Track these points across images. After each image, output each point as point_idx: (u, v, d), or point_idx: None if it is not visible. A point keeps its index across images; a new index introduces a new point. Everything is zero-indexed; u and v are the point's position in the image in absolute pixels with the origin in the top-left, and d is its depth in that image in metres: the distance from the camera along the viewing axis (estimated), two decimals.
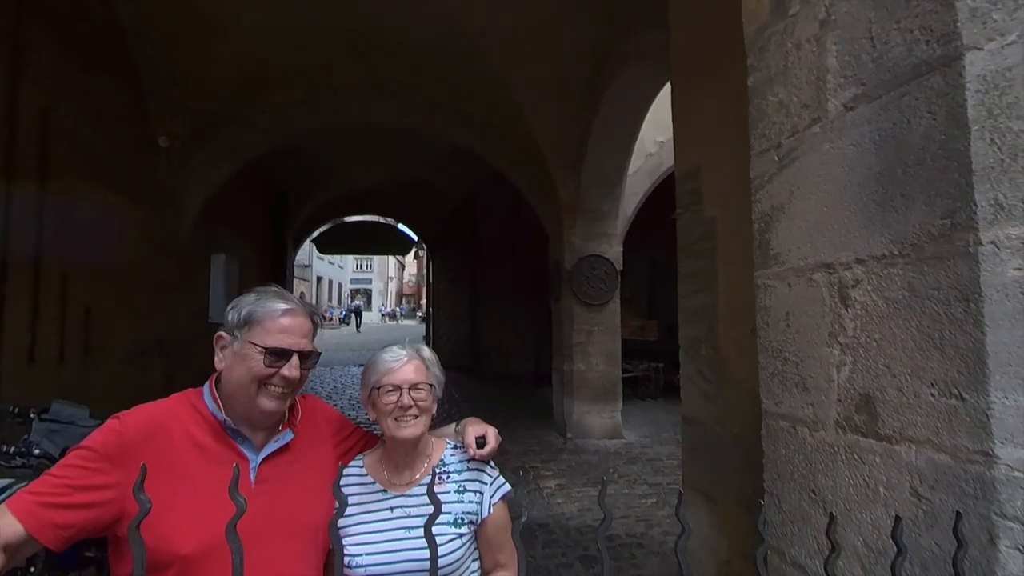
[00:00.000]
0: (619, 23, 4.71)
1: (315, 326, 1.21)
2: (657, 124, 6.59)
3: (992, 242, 0.83)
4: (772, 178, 1.45)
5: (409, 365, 1.25)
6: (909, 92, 0.98)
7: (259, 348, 1.11)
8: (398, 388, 1.21)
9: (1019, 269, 0.81)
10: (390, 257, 45.50)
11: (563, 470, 5.24)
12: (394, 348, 1.28)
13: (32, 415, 2.15)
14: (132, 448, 1.03)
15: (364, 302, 42.91)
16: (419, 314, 40.70)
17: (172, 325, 5.56)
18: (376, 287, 49.41)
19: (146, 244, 5.08)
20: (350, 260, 44.84)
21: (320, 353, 1.22)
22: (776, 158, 1.43)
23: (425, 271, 21.06)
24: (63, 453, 1.81)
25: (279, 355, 1.12)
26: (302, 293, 27.86)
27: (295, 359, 1.13)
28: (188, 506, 1.03)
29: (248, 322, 1.13)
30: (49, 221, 3.51)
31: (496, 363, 12.21)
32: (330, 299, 40.07)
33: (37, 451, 1.73)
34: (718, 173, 2.75)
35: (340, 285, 44.08)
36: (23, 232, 3.30)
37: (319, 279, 36.10)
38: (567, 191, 6.29)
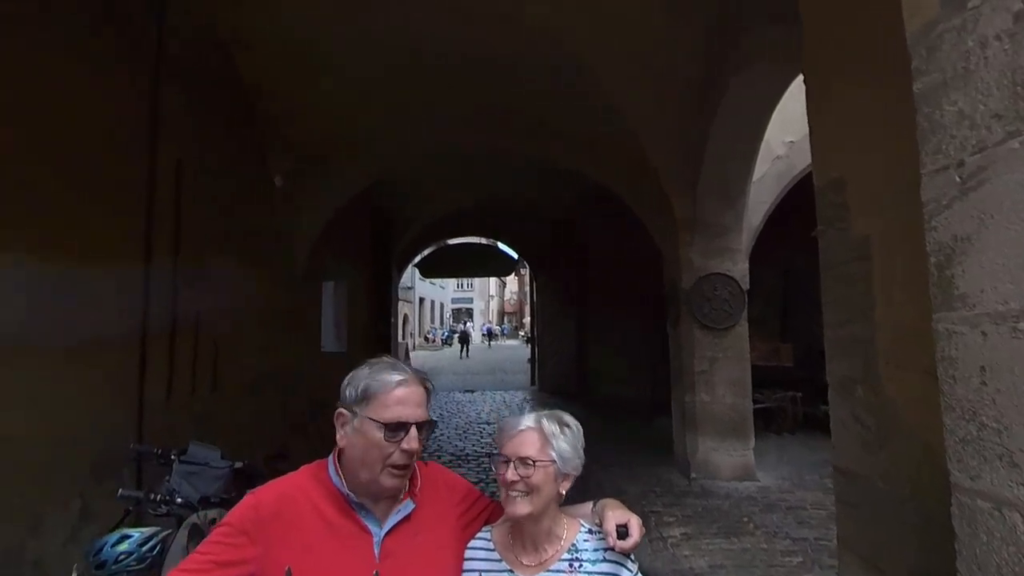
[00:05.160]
0: (734, 19, 4.50)
1: (428, 393, 1.25)
2: (785, 123, 6.18)
3: None
4: (953, 203, 1.27)
5: (524, 436, 1.23)
6: None
7: (378, 423, 1.16)
8: (508, 460, 1.20)
9: None
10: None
11: (689, 516, 4.96)
12: (517, 416, 1.27)
13: (173, 456, 2.43)
14: (266, 523, 1.13)
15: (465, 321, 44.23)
16: (522, 333, 41.17)
17: (286, 356, 6.07)
18: (477, 306, 50.82)
19: (264, 280, 5.61)
20: (451, 280, 46.58)
21: (435, 422, 1.26)
22: (958, 179, 1.26)
23: (528, 288, 21.30)
24: (201, 500, 2.03)
25: (397, 428, 1.16)
26: (405, 315, 29.31)
27: (413, 431, 1.17)
28: None
29: (365, 397, 1.18)
30: (184, 263, 4.01)
31: (606, 389, 11.95)
32: (432, 320, 41.88)
33: (179, 499, 1.93)
34: (870, 184, 2.50)
35: (442, 305, 45.91)
36: (162, 275, 3.78)
37: (421, 300, 37.86)
38: (682, 205, 6.06)
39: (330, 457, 1.25)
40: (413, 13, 4.86)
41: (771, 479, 6.02)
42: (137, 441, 3.44)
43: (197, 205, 4.22)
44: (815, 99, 2.95)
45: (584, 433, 1.30)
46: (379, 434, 1.15)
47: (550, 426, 1.23)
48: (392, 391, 1.18)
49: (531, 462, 1.19)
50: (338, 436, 1.21)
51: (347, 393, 1.21)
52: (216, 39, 4.69)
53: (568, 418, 1.28)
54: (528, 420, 1.25)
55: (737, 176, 5.94)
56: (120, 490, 1.94)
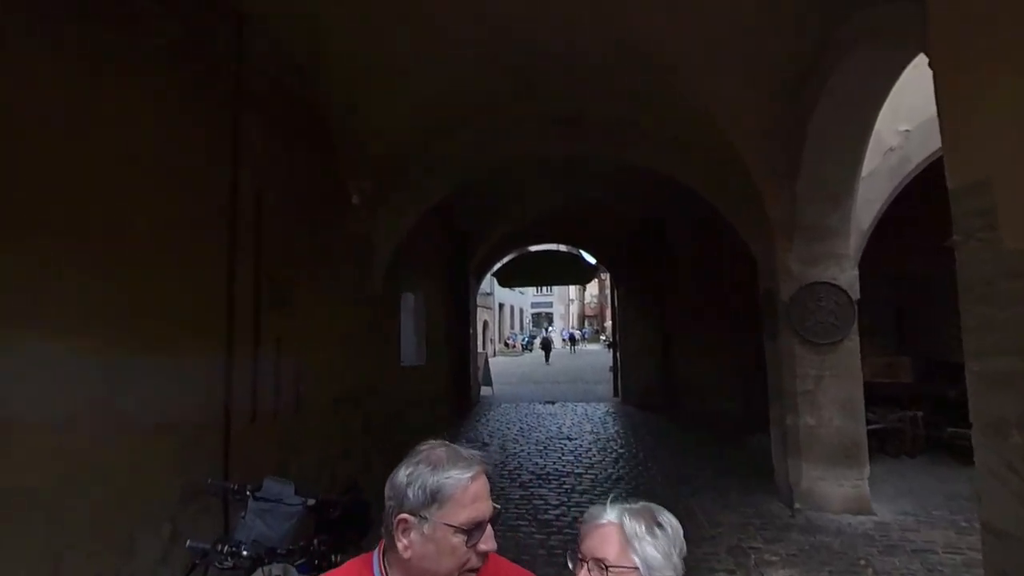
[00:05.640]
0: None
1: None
2: (897, 110, 5.55)
3: None
4: None
5: (603, 532, 1.03)
6: None
7: (454, 528, 1.03)
8: (583, 561, 1.01)
9: None
10: None
11: (794, 555, 4.50)
12: (602, 505, 1.08)
13: (248, 492, 2.44)
14: None
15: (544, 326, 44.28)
16: (603, 337, 40.49)
17: (366, 371, 6.16)
18: (557, 310, 50.66)
19: (343, 298, 5.72)
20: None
21: (501, 510, 1.10)
22: None
23: (609, 292, 20.82)
24: (267, 552, 1.99)
25: (475, 530, 1.04)
26: (485, 322, 29.60)
27: (489, 528, 1.06)
28: None
29: (436, 499, 1.04)
30: (265, 292, 4.12)
31: (694, 402, 11.40)
32: (511, 325, 42.24)
33: (245, 552, 1.90)
34: None
35: (521, 310, 46.16)
36: (245, 306, 3.90)
37: (501, 306, 38.21)
38: (779, 207, 5.57)
39: (375, 554, 1.13)
40: (489, 22, 4.77)
41: (890, 513, 5.38)
42: (223, 469, 3.54)
43: (277, 232, 4.34)
44: (946, 86, 2.54)
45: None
46: (456, 539, 1.03)
47: (633, 525, 1.02)
48: (468, 488, 1.05)
49: (605, 566, 0.99)
50: (400, 545, 1.06)
51: (410, 495, 1.06)
52: (291, 60, 4.80)
53: (665, 516, 1.06)
54: (611, 513, 1.05)
55: (842, 173, 5.37)
56: (188, 541, 1.94)
